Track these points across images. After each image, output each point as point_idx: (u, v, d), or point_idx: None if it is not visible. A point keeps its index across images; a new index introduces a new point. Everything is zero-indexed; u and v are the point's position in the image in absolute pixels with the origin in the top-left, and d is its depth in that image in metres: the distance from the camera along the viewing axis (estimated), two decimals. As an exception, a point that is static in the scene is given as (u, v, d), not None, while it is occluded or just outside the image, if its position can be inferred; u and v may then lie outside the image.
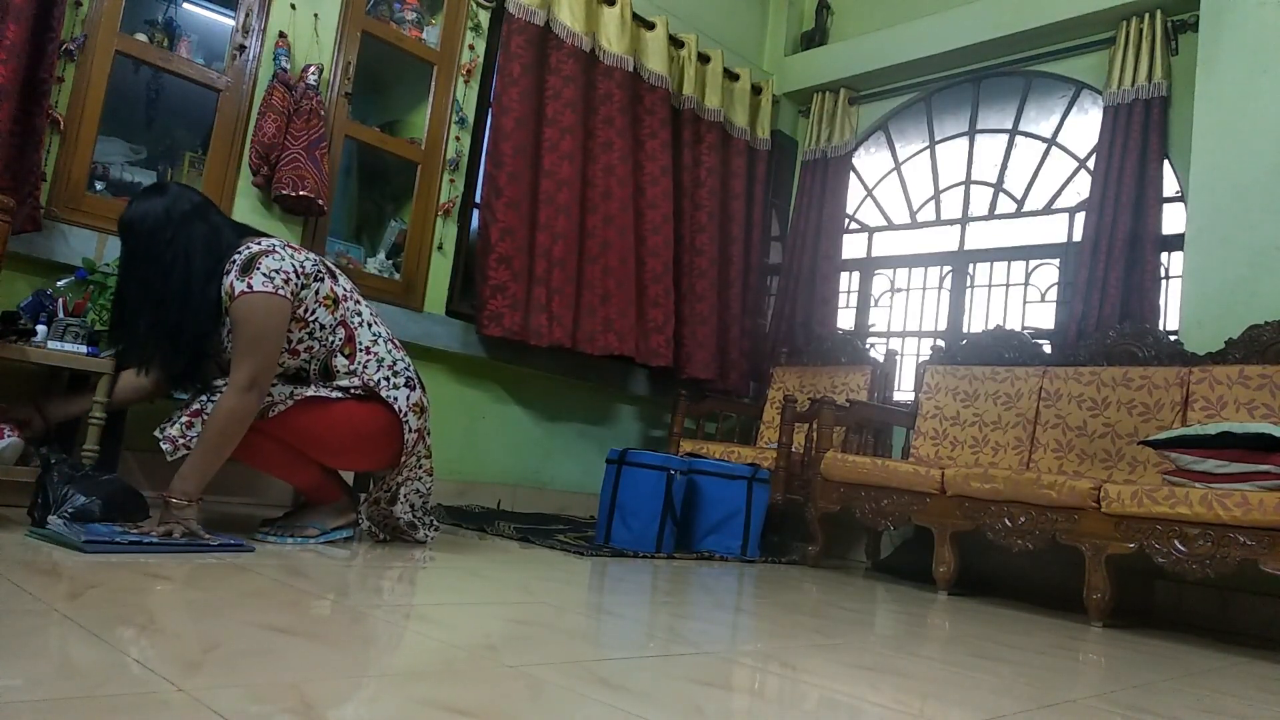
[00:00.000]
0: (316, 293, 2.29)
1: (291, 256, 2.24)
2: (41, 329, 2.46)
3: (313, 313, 2.29)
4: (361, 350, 2.38)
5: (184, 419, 2.23)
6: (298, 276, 2.23)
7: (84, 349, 2.49)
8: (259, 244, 2.22)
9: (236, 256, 2.19)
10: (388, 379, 2.39)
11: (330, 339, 2.35)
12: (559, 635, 1.64)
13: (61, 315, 2.52)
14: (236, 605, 1.55)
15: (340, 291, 2.38)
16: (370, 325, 2.43)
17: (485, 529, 3.16)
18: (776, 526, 3.91)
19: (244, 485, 3.13)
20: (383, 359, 2.41)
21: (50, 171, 2.82)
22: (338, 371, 2.37)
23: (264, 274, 2.16)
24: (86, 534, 1.85)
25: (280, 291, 2.17)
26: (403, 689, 1.16)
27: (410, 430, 2.39)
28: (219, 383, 2.26)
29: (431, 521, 2.62)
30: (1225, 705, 1.71)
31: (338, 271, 2.44)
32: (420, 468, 2.52)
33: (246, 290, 2.14)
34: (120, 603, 1.47)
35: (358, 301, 2.44)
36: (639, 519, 3.22)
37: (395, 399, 2.38)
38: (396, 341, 2.50)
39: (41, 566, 1.65)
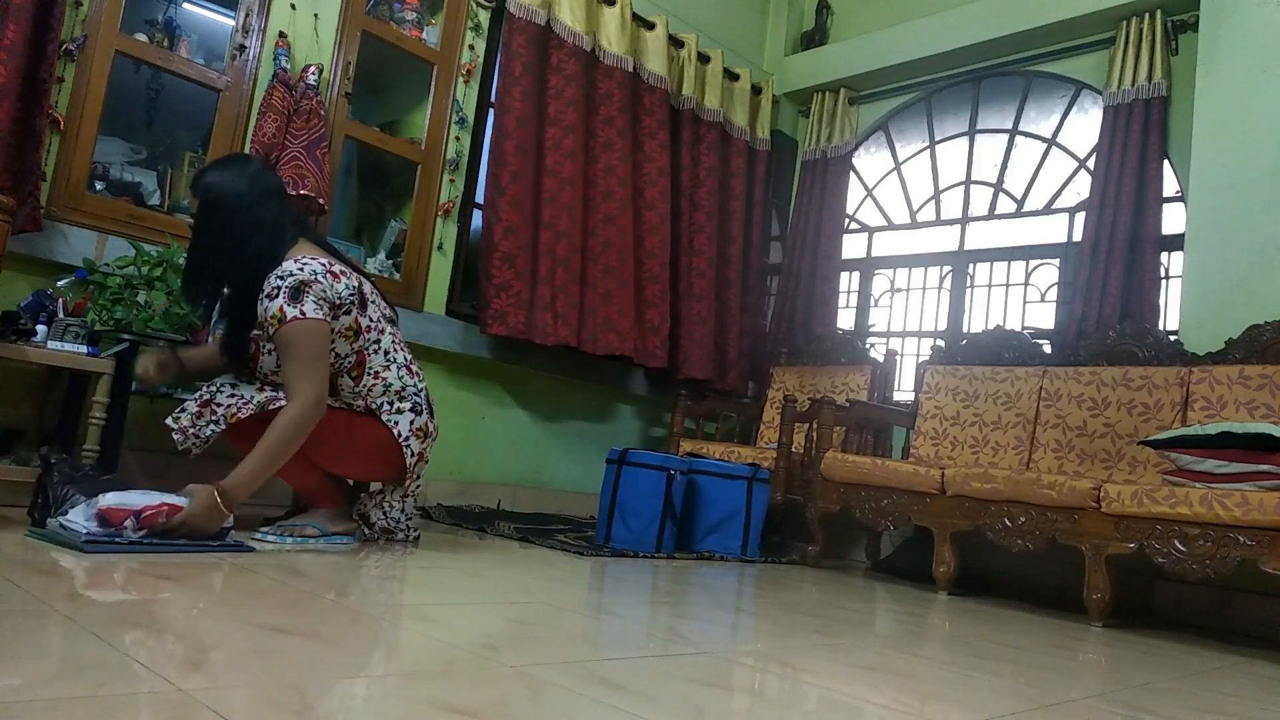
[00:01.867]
0: (341, 324, 2.32)
1: (331, 285, 2.26)
2: (41, 329, 2.46)
3: (333, 341, 2.32)
4: (369, 374, 2.39)
5: (194, 409, 2.27)
6: (335, 307, 2.28)
7: (84, 349, 2.49)
8: (302, 268, 2.23)
9: (281, 280, 2.21)
10: (391, 403, 2.41)
11: (340, 363, 2.37)
12: (559, 635, 1.64)
13: (61, 315, 2.52)
14: (236, 605, 1.55)
15: (365, 323, 2.38)
16: (386, 352, 2.43)
17: (485, 529, 3.16)
18: (776, 526, 3.92)
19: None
20: (390, 384, 2.42)
21: (50, 171, 2.82)
22: (341, 390, 2.39)
23: (314, 301, 2.22)
24: (86, 534, 1.85)
25: (326, 318, 2.25)
26: (403, 689, 1.16)
27: (412, 454, 2.42)
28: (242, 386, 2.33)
29: (412, 526, 2.62)
30: (1225, 705, 1.71)
31: (370, 297, 2.43)
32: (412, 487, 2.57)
33: (299, 317, 2.19)
34: (120, 603, 1.47)
35: (381, 331, 2.43)
36: (639, 519, 3.22)
37: (396, 423, 2.40)
38: (413, 368, 2.50)
39: (41, 566, 1.65)
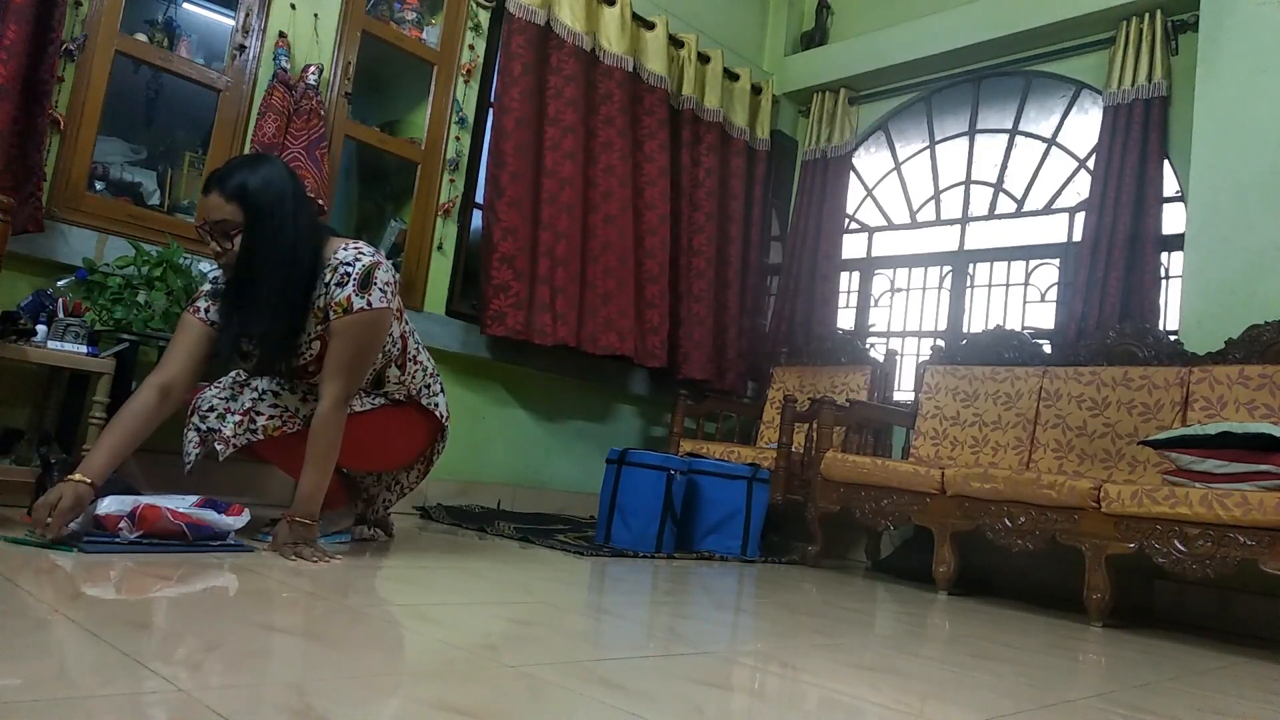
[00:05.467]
0: (395, 305, 2.25)
1: (389, 266, 2.21)
2: (41, 329, 2.46)
3: (390, 326, 2.25)
4: (411, 360, 2.38)
5: (235, 418, 2.19)
6: (395, 286, 2.22)
7: (84, 349, 2.49)
8: (361, 251, 2.17)
9: (349, 268, 2.13)
10: (428, 386, 2.44)
11: (393, 350, 2.32)
12: (559, 635, 1.64)
13: (61, 315, 2.52)
14: (236, 605, 1.55)
15: (401, 302, 2.35)
16: (413, 333, 2.42)
17: (485, 529, 3.16)
18: (776, 526, 3.92)
19: (243, 485, 3.13)
20: (425, 367, 2.44)
21: (50, 171, 2.81)
22: (388, 381, 2.36)
23: (380, 288, 2.15)
24: (86, 535, 1.85)
25: (391, 305, 2.19)
26: (403, 689, 1.16)
27: (448, 435, 2.51)
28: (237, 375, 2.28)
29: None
30: (1225, 705, 1.71)
31: None
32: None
33: (366, 308, 2.12)
34: (120, 603, 1.48)
35: (404, 309, 2.42)
36: (639, 519, 3.22)
37: (437, 405, 2.45)
38: (424, 345, 2.52)
39: (41, 566, 1.65)
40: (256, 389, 2.23)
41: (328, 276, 2.14)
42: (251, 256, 2.09)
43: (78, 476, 1.90)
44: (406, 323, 2.38)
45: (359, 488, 2.59)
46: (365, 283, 2.13)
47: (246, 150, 3.18)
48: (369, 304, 2.13)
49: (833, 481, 3.42)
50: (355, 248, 2.19)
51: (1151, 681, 1.88)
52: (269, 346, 2.16)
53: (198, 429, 2.20)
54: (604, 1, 4.24)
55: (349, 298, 2.11)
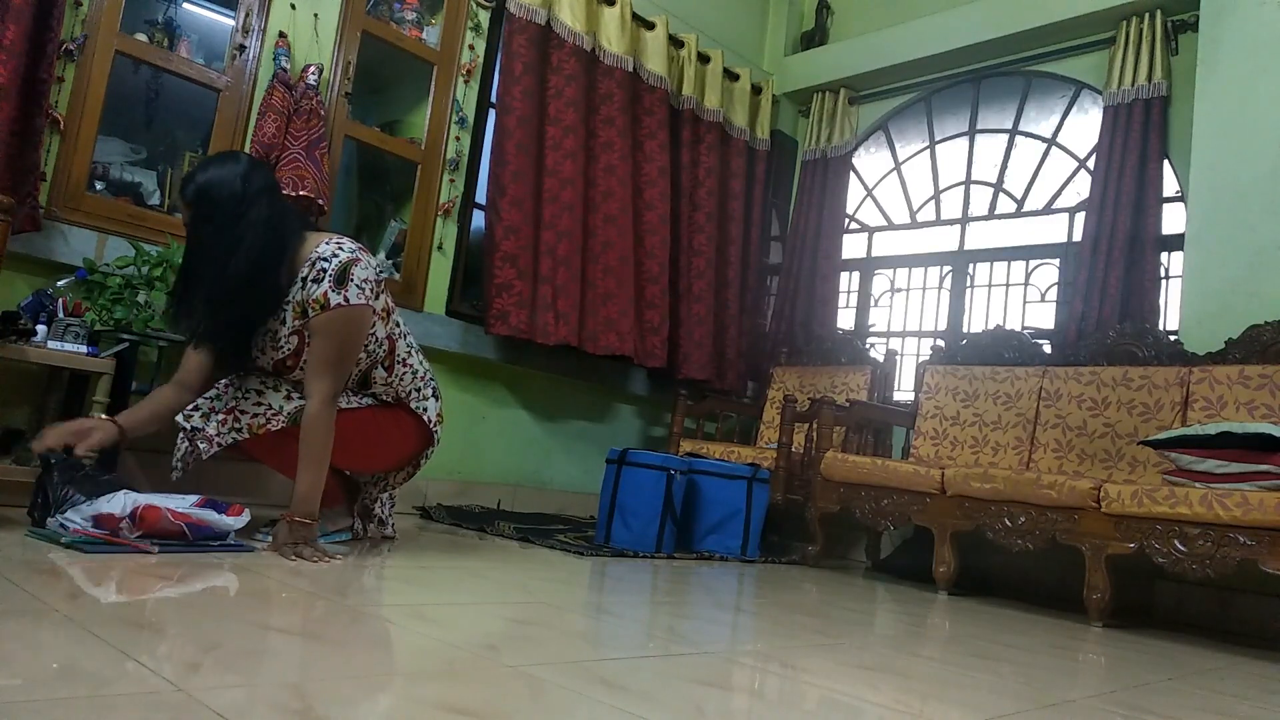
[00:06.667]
0: (379, 305, 2.25)
1: (369, 262, 2.20)
2: (41, 329, 2.46)
3: (373, 325, 2.25)
4: (399, 362, 2.37)
5: (219, 416, 2.20)
6: (376, 284, 2.21)
7: (84, 349, 2.49)
8: (340, 247, 2.16)
9: (325, 264, 2.12)
10: (418, 390, 2.42)
11: (377, 351, 2.31)
12: (559, 635, 1.64)
13: (61, 315, 2.52)
14: (236, 605, 1.55)
15: (390, 303, 2.35)
16: (406, 336, 2.41)
17: (485, 529, 3.16)
18: (776, 526, 3.91)
19: (243, 485, 3.13)
20: (416, 370, 2.42)
21: (50, 171, 2.81)
22: (374, 382, 2.35)
23: (358, 285, 2.14)
24: (86, 534, 1.85)
25: (370, 302, 2.18)
26: (403, 689, 1.16)
27: (438, 441, 2.47)
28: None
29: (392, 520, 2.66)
30: (1225, 705, 1.71)
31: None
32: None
33: (344, 304, 2.12)
34: (120, 603, 1.47)
35: (395, 311, 2.41)
36: (639, 519, 3.22)
37: (425, 409, 2.42)
38: (418, 349, 2.50)
39: (41, 566, 1.65)
40: (241, 388, 2.24)
41: (305, 272, 2.14)
42: (189, 256, 2.16)
43: (115, 419, 2.02)
44: (397, 325, 2.37)
45: (358, 486, 2.59)
46: (342, 279, 2.12)
47: (246, 151, 3.18)
48: (346, 300, 2.12)
49: (833, 481, 3.42)
50: (336, 243, 2.18)
51: (1151, 681, 1.88)
52: (217, 344, 2.20)
53: (182, 428, 2.21)
54: (604, 1, 4.24)
55: (325, 294, 2.11)
